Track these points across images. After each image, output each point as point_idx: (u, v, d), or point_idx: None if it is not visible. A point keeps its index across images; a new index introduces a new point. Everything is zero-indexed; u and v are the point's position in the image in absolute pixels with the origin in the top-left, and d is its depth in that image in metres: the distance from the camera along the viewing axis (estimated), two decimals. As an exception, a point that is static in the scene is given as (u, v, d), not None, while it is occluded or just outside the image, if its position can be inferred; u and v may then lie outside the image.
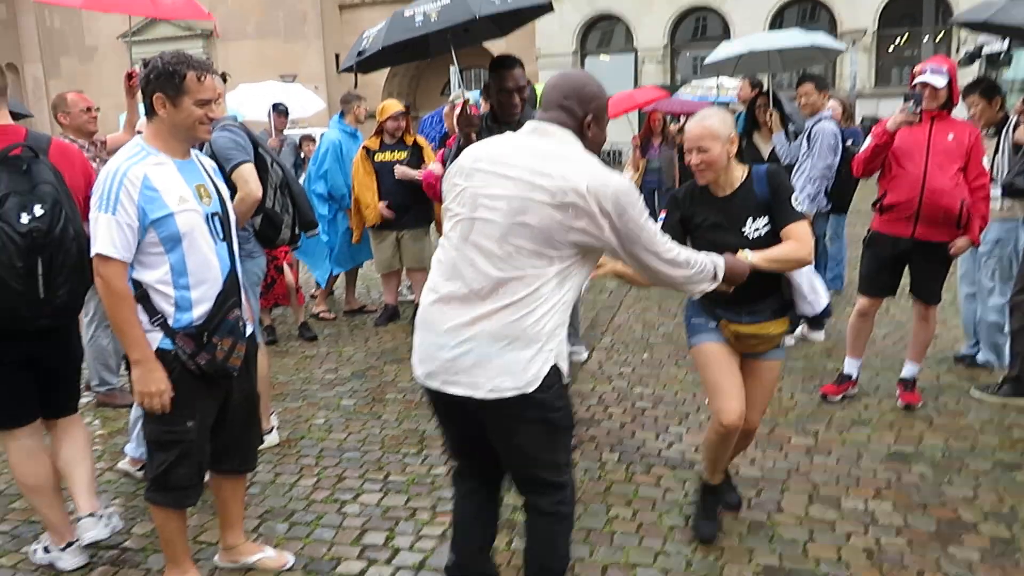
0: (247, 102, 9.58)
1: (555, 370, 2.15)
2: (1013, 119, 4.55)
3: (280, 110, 7.67)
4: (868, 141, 4.08)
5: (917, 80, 3.96)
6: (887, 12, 22.92)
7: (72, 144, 2.92)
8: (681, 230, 2.86)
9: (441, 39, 4.35)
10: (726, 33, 23.54)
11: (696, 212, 2.86)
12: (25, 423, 2.84)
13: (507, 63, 3.89)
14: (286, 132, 8.72)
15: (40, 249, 2.49)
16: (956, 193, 3.97)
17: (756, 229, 2.75)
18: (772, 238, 2.74)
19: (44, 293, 2.53)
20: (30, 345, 2.72)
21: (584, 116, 2.21)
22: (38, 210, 2.52)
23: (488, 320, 2.09)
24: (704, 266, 2.33)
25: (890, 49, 23.98)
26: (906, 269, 4.29)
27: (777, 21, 23.96)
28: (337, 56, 28.18)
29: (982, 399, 4.36)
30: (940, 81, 3.93)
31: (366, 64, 4.59)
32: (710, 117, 2.75)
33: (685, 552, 2.95)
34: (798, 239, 2.70)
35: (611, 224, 2.08)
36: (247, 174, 3.35)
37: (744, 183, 2.80)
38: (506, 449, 2.26)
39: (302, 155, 8.22)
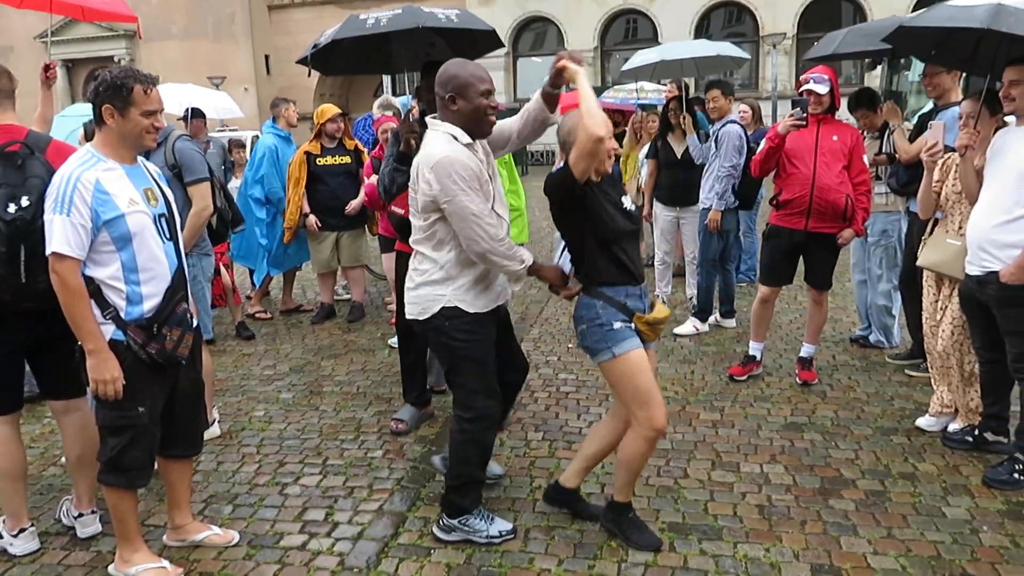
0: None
1: (454, 310, 2.85)
2: (893, 124, 5.02)
3: (198, 115, 7.62)
4: (762, 144, 4.50)
5: (803, 88, 4.41)
6: (806, 16, 23.93)
7: (71, 146, 3.10)
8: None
9: (403, 57, 4.67)
10: (655, 35, 24.27)
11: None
12: (6, 413, 2.99)
13: (441, 65, 4.15)
14: (212, 135, 8.72)
15: (23, 237, 2.68)
16: (842, 189, 4.43)
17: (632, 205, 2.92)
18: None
19: (25, 278, 2.72)
20: (26, 330, 2.88)
21: (446, 96, 2.77)
22: (24, 201, 2.72)
23: (411, 271, 2.96)
24: (515, 250, 2.79)
25: (809, 52, 25.04)
26: (800, 260, 4.74)
27: (703, 23, 24.79)
28: (267, 57, 27.85)
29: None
30: (822, 88, 4.39)
31: (324, 62, 4.90)
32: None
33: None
34: None
35: (434, 189, 2.69)
36: (206, 191, 3.80)
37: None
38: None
39: (231, 159, 8.22)
